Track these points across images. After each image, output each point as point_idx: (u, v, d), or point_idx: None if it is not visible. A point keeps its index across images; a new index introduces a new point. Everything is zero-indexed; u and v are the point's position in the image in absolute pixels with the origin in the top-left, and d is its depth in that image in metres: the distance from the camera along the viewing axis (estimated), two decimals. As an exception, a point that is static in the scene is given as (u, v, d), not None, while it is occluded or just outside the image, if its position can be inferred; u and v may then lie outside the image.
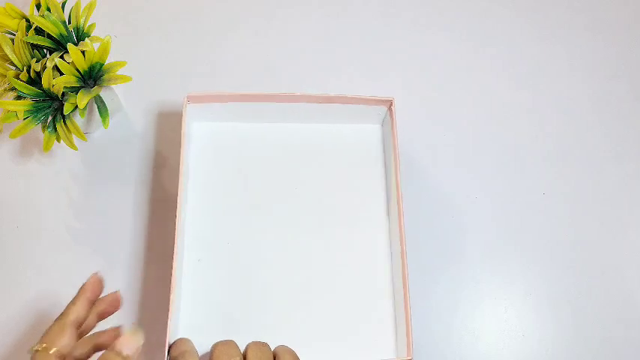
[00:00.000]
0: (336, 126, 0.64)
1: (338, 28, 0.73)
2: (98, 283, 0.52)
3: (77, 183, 0.69)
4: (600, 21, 0.71)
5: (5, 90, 0.61)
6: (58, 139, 0.63)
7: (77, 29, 0.63)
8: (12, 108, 0.60)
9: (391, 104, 0.60)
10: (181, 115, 0.63)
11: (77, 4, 0.63)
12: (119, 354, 0.47)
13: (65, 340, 0.48)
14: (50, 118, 0.62)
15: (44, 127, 0.62)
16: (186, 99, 0.62)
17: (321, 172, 0.63)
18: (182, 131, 0.61)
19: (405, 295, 0.54)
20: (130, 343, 0.48)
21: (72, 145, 0.63)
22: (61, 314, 0.50)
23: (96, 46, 0.62)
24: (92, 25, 0.64)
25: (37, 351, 0.47)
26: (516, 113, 0.67)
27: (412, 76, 0.70)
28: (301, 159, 0.64)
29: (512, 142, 0.66)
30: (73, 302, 0.51)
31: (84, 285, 0.52)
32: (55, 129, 0.62)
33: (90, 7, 0.63)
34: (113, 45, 0.62)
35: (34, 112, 0.61)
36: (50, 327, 0.49)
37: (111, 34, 0.62)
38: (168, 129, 0.70)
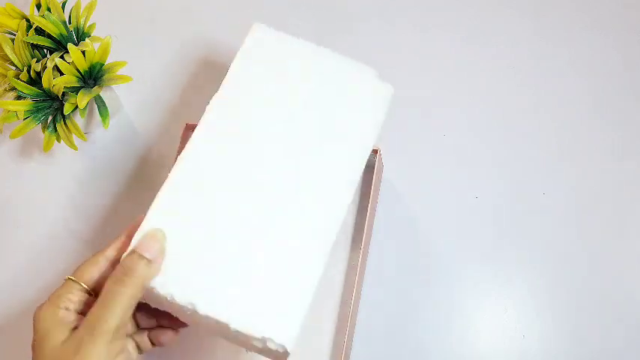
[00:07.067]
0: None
1: (338, 28, 0.73)
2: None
3: (77, 183, 0.69)
4: (600, 21, 0.71)
5: (5, 90, 0.61)
6: (58, 139, 0.63)
7: (77, 29, 0.63)
8: (12, 108, 0.60)
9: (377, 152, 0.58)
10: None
11: (77, 4, 0.63)
12: (142, 257, 0.44)
13: (95, 274, 0.45)
14: (50, 118, 0.62)
15: (44, 127, 0.62)
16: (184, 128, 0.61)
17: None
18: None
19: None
20: (151, 245, 0.45)
21: (72, 145, 0.63)
22: (102, 250, 0.47)
23: (96, 46, 0.62)
24: (92, 25, 0.64)
25: (68, 279, 0.45)
26: (516, 113, 0.67)
27: (412, 76, 0.70)
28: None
29: (512, 142, 0.66)
30: (116, 239, 0.47)
31: (129, 227, 0.48)
32: (55, 129, 0.62)
33: (90, 7, 0.63)
34: (113, 45, 0.62)
35: (34, 112, 0.61)
36: (86, 260, 0.46)
37: (111, 34, 0.62)
38: (168, 129, 0.70)
